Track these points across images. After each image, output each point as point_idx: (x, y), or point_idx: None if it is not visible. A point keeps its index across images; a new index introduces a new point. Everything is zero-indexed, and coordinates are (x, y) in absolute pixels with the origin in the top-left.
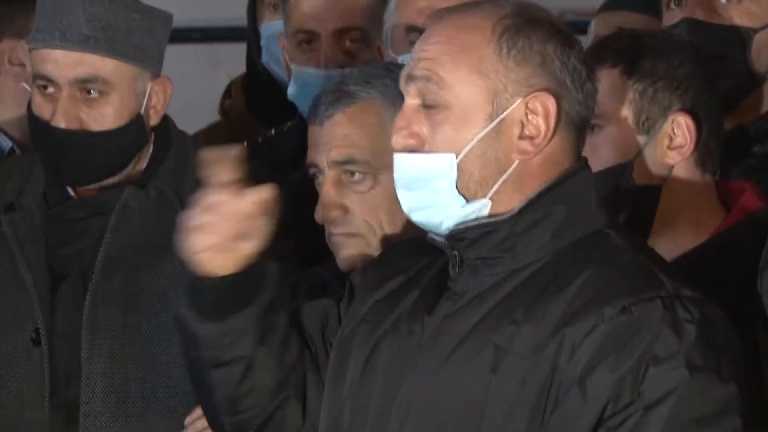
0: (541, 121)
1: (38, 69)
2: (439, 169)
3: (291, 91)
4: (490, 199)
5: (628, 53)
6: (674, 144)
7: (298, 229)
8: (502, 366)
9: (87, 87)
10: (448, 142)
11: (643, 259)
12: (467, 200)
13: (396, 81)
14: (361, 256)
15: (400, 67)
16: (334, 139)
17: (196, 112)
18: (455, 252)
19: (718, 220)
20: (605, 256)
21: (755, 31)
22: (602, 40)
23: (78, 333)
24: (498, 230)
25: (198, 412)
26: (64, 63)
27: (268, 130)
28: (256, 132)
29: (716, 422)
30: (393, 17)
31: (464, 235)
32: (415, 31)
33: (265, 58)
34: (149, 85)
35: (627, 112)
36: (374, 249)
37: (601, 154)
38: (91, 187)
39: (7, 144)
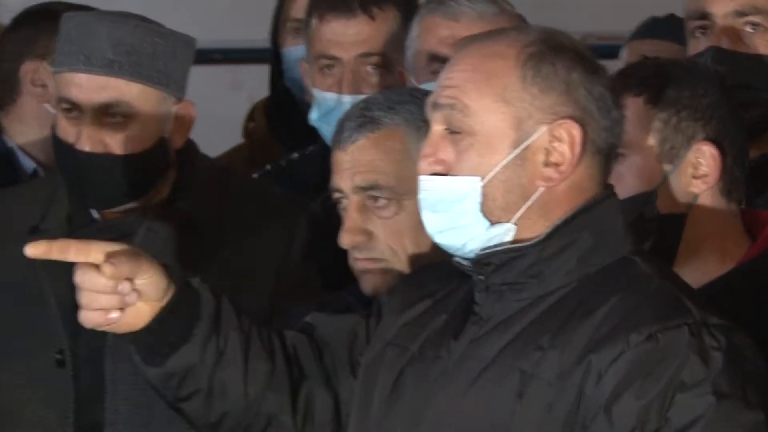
0: (566, 149)
1: (62, 93)
2: (464, 192)
3: (313, 116)
4: (515, 224)
5: (652, 82)
6: (699, 173)
7: (321, 253)
8: (528, 392)
9: (111, 111)
10: (474, 168)
11: (670, 286)
12: (491, 223)
13: (420, 107)
14: (385, 281)
15: (425, 92)
16: (359, 164)
17: (217, 133)
18: (481, 277)
19: (743, 249)
20: (632, 282)
21: None
22: (627, 68)
23: (102, 355)
24: (524, 256)
25: None
26: (88, 87)
27: (290, 153)
28: (278, 155)
29: None
30: (415, 44)
31: (490, 260)
32: (437, 61)
33: (287, 82)
34: (173, 109)
35: (651, 140)
36: (398, 274)
37: (625, 182)
38: (115, 210)
39: (30, 165)
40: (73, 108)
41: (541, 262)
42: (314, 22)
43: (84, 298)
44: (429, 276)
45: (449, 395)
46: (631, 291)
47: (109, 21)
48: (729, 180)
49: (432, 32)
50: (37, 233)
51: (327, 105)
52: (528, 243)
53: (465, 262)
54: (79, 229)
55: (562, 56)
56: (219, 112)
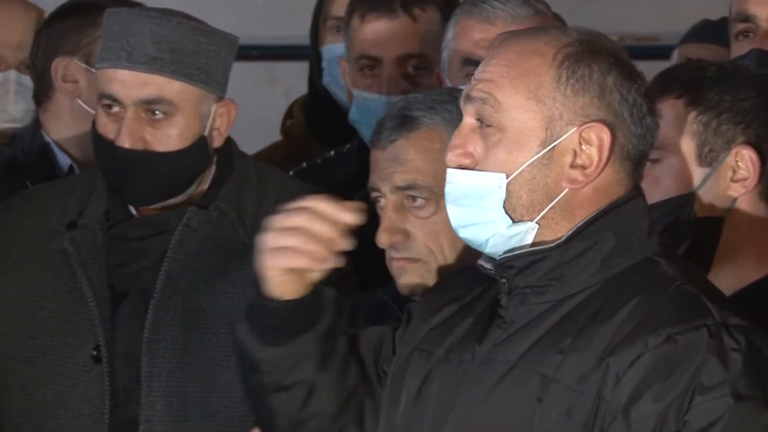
0: (594, 152)
1: (104, 88)
2: (489, 187)
3: (352, 115)
4: (537, 223)
5: (693, 84)
6: (737, 177)
7: (356, 252)
8: (548, 396)
9: (152, 108)
10: (500, 164)
11: (691, 287)
12: (514, 221)
13: (459, 107)
14: (421, 281)
15: None
16: (397, 164)
17: (252, 128)
18: (504, 280)
19: None
20: (653, 284)
21: None
22: (668, 70)
23: (138, 351)
24: (546, 258)
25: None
26: (130, 83)
27: (327, 151)
28: (316, 153)
29: None
30: (450, 46)
31: (513, 263)
32: (471, 64)
33: (326, 79)
34: (214, 108)
35: (690, 143)
36: (435, 274)
37: (662, 185)
38: (154, 206)
39: (66, 162)
40: (114, 104)
41: (563, 264)
42: (355, 21)
43: (296, 240)
44: (456, 280)
45: (471, 399)
46: (652, 292)
47: (152, 18)
48: None
49: (466, 35)
50: (74, 228)
51: (367, 105)
52: (549, 245)
53: (488, 266)
54: (117, 225)
55: (600, 59)
56: (254, 109)
